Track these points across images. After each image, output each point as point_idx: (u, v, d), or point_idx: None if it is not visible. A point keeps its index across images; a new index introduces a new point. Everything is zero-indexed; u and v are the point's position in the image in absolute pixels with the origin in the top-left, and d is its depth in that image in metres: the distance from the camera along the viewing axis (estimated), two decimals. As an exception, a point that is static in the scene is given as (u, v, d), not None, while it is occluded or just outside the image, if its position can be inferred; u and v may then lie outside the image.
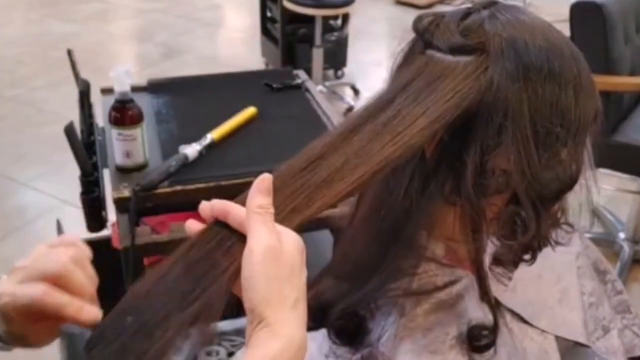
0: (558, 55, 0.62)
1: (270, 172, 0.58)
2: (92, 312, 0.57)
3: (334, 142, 0.61)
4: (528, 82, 0.61)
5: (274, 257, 0.52)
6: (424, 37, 0.67)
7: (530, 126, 0.61)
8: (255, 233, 0.53)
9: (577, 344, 0.78)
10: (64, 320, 0.58)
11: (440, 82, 0.62)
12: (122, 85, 1.30)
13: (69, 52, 1.36)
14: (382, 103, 0.64)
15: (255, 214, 0.54)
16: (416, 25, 0.68)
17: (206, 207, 0.58)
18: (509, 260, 0.70)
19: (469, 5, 0.68)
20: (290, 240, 0.55)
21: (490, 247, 0.70)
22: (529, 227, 0.63)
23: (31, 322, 0.59)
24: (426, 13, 0.69)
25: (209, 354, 1.55)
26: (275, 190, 0.57)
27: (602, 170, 2.21)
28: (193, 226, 0.58)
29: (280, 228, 0.55)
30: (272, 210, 0.55)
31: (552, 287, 0.80)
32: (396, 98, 0.63)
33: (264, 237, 0.53)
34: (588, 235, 0.88)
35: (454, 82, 0.62)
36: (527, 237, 0.64)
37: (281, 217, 0.56)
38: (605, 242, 2.51)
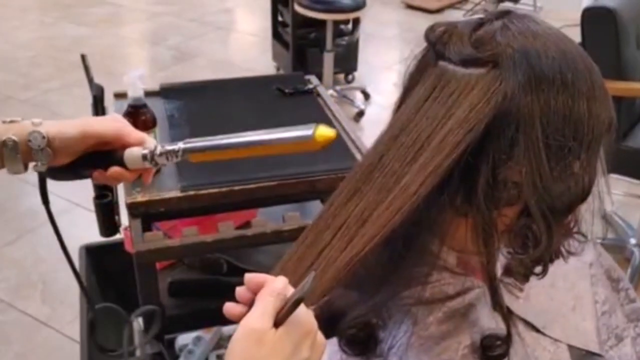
0: (571, 66, 0.62)
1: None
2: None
3: (358, 184, 0.65)
4: (540, 94, 0.60)
5: (257, 339, 0.54)
6: (436, 48, 0.66)
7: (542, 138, 0.61)
8: (250, 314, 0.55)
9: (590, 353, 0.78)
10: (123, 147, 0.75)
11: (454, 101, 0.62)
12: (135, 90, 1.31)
13: (83, 57, 1.37)
14: (400, 129, 0.65)
15: (261, 295, 0.56)
16: (428, 36, 0.67)
17: (242, 289, 0.60)
18: (520, 273, 0.69)
19: (481, 15, 0.67)
20: (291, 326, 0.55)
21: (502, 258, 0.70)
22: (540, 240, 0.63)
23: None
24: (439, 23, 0.68)
25: (218, 357, 1.56)
26: (311, 243, 0.63)
27: (612, 176, 2.20)
28: (231, 310, 0.59)
29: (298, 311, 0.56)
30: (282, 296, 0.56)
31: (566, 295, 0.80)
32: (412, 124, 0.64)
33: (254, 318, 0.55)
34: (598, 241, 0.88)
35: (469, 101, 0.61)
36: (539, 251, 0.64)
37: (320, 269, 0.60)
38: (616, 248, 2.50)
